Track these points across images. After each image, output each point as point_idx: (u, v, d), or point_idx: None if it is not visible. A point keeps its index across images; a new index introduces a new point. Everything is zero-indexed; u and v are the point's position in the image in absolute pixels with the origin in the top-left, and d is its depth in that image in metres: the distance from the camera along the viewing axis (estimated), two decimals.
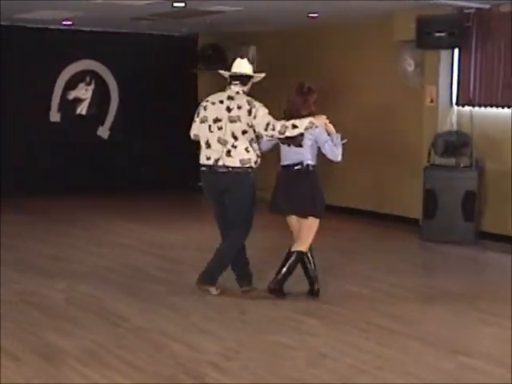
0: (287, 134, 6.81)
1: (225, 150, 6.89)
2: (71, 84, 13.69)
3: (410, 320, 6.57)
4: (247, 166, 6.89)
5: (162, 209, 12.37)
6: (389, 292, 7.49)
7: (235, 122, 6.88)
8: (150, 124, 13.95)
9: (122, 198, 13.06)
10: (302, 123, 6.81)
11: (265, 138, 7.00)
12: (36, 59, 13.04)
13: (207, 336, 5.99)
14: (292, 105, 7.03)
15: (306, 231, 6.99)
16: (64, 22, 12.50)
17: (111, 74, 13.96)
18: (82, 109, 13.86)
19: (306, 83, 7.09)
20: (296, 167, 6.95)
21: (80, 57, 13.67)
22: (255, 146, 6.96)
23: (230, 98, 6.97)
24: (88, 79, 13.85)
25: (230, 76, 7.10)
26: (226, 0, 10.02)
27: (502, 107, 9.80)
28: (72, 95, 13.74)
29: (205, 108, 7.05)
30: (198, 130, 7.09)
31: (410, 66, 10.95)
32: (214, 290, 7.08)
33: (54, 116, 13.62)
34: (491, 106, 9.92)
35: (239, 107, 6.89)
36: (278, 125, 6.81)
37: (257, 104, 6.92)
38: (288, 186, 6.98)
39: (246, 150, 6.89)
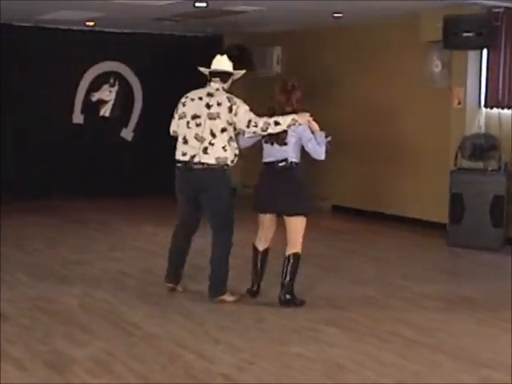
0: (270, 130, 6.72)
1: (202, 146, 6.78)
2: (95, 85, 13.59)
3: (432, 330, 6.33)
4: (223, 164, 6.78)
5: None
6: (412, 300, 7.26)
7: (214, 119, 6.78)
8: None
9: (143, 201, 12.96)
10: (285, 120, 6.71)
11: (246, 135, 6.89)
12: (59, 60, 12.95)
13: (221, 345, 5.80)
14: (275, 102, 6.93)
15: (293, 232, 6.82)
16: (87, 23, 12.41)
17: (135, 75, 13.83)
18: (106, 110, 13.75)
19: (290, 81, 6.97)
20: (280, 164, 6.80)
21: (104, 58, 13.56)
22: (233, 144, 6.85)
23: (210, 94, 6.88)
24: (112, 81, 13.74)
25: (209, 73, 7.00)
26: (248, 0, 9.86)
27: None
28: (95, 97, 13.63)
29: (183, 104, 6.97)
30: (176, 126, 7.01)
31: (437, 67, 10.75)
32: (229, 297, 6.94)
33: (78, 118, 13.52)
34: None
35: (219, 104, 6.80)
36: (261, 122, 6.72)
37: (237, 101, 6.84)
38: (272, 184, 6.83)
39: (224, 148, 6.78)
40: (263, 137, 6.86)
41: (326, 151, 6.81)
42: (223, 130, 6.78)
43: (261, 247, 7.08)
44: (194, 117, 6.86)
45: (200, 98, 6.89)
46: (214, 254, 6.97)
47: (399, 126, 11.43)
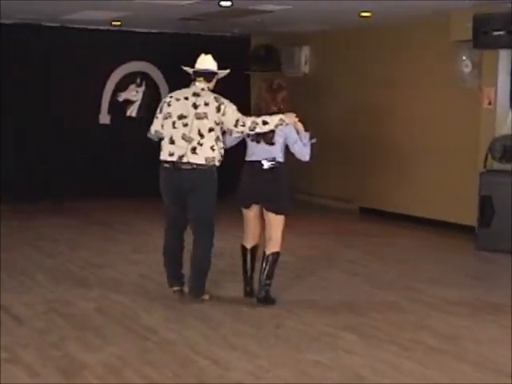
0: (257, 130, 6.71)
1: (190, 146, 6.72)
2: (121, 86, 13.53)
3: (456, 337, 6.14)
4: (212, 163, 6.74)
5: None
6: (436, 305, 7.07)
7: (202, 119, 6.73)
8: None
9: None
10: (273, 120, 6.69)
11: (234, 135, 6.85)
12: (86, 60, 12.91)
13: (237, 352, 5.66)
14: (262, 101, 6.94)
15: (277, 231, 6.82)
16: (113, 23, 12.35)
17: (162, 75, 13.73)
18: (132, 111, 13.68)
19: (276, 80, 6.98)
20: (268, 163, 6.77)
21: (130, 58, 13.51)
22: (220, 144, 6.81)
23: (196, 94, 6.83)
24: (138, 81, 13.68)
25: (193, 72, 6.94)
26: None
27: None
28: (122, 97, 13.58)
29: (168, 104, 6.89)
30: (160, 126, 6.90)
31: (466, 67, 10.55)
32: (206, 296, 6.97)
33: (104, 118, 13.47)
34: None
35: (206, 104, 6.75)
36: (249, 121, 6.70)
37: (225, 101, 6.80)
38: (257, 182, 6.81)
39: (212, 148, 6.74)
40: (249, 135, 6.82)
41: (311, 152, 6.81)
42: (211, 130, 6.74)
43: (248, 245, 7.05)
44: (181, 117, 6.78)
45: (186, 98, 6.82)
46: (196, 254, 6.93)
47: (427, 127, 11.24)
